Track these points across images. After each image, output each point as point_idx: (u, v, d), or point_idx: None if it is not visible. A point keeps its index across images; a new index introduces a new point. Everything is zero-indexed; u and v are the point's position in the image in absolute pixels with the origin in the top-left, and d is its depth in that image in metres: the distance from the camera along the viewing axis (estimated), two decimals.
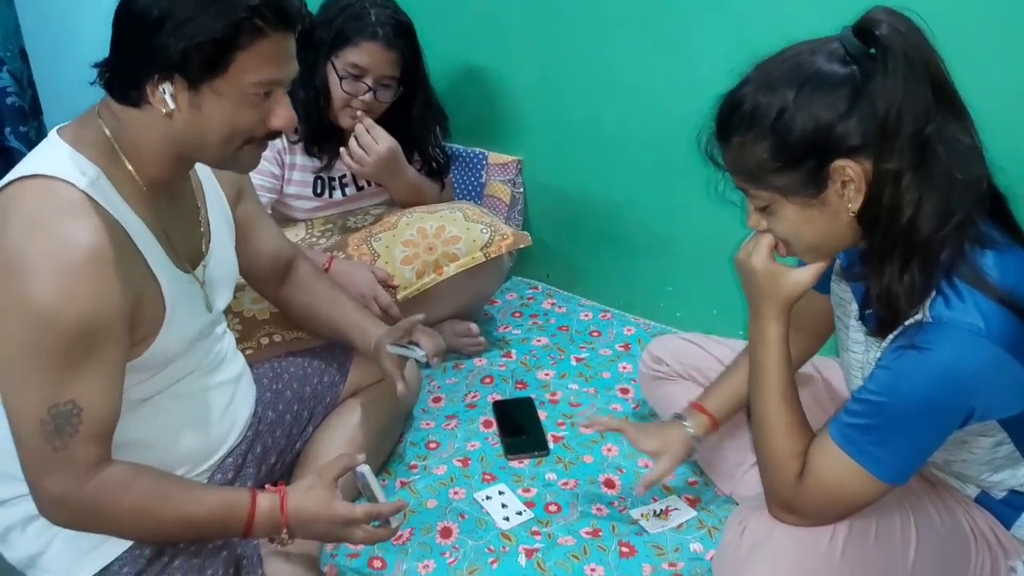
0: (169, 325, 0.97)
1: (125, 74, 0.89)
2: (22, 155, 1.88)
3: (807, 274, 0.95)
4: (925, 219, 0.82)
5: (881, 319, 0.89)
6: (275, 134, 0.95)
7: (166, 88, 0.87)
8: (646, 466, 1.35)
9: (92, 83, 0.92)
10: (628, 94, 1.72)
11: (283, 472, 1.25)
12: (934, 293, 0.84)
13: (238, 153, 0.94)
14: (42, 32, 1.92)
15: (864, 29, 0.82)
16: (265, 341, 1.42)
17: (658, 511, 1.27)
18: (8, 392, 0.87)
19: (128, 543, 0.99)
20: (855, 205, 0.85)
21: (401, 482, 1.36)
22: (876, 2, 0.84)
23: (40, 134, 1.91)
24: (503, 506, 1.29)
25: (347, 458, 1.06)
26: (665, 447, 1.19)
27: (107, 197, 0.89)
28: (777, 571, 0.92)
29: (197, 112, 0.88)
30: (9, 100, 1.85)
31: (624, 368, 1.67)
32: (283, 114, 0.93)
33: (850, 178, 0.83)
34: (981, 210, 0.85)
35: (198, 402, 1.07)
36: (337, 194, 1.68)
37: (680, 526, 1.24)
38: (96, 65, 0.91)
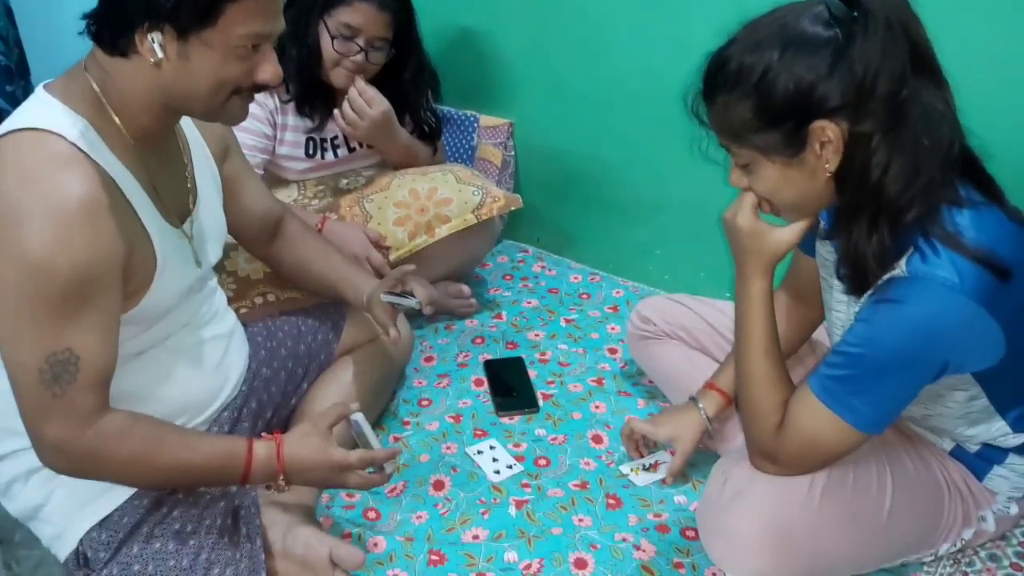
0: (160, 277, 0.98)
1: (114, 23, 0.89)
2: (8, 114, 1.88)
3: (790, 233, 0.98)
4: (892, 181, 0.84)
5: (851, 277, 0.92)
6: (261, 87, 0.95)
7: (155, 37, 0.87)
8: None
9: (80, 33, 0.91)
10: (620, 57, 1.72)
11: (279, 425, 1.27)
12: (912, 250, 0.87)
13: (225, 104, 0.94)
14: None
15: None
16: (259, 300, 1.44)
17: (647, 465, 1.30)
18: (6, 342, 0.88)
19: (128, 493, 1.02)
20: (832, 165, 0.87)
21: (394, 437, 1.39)
22: None
23: (27, 93, 1.89)
24: (494, 460, 1.32)
25: (341, 406, 1.09)
26: (680, 431, 1.23)
27: (96, 149, 0.90)
28: (757, 519, 0.96)
29: (185, 62, 0.89)
30: None
31: (612, 329, 1.70)
32: (270, 68, 0.93)
33: (828, 139, 0.85)
34: (951, 173, 0.87)
35: (191, 355, 1.09)
36: (329, 155, 1.68)
37: (665, 480, 1.28)
38: (85, 16, 0.91)
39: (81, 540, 1.01)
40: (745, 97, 0.87)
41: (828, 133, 0.85)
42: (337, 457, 1.03)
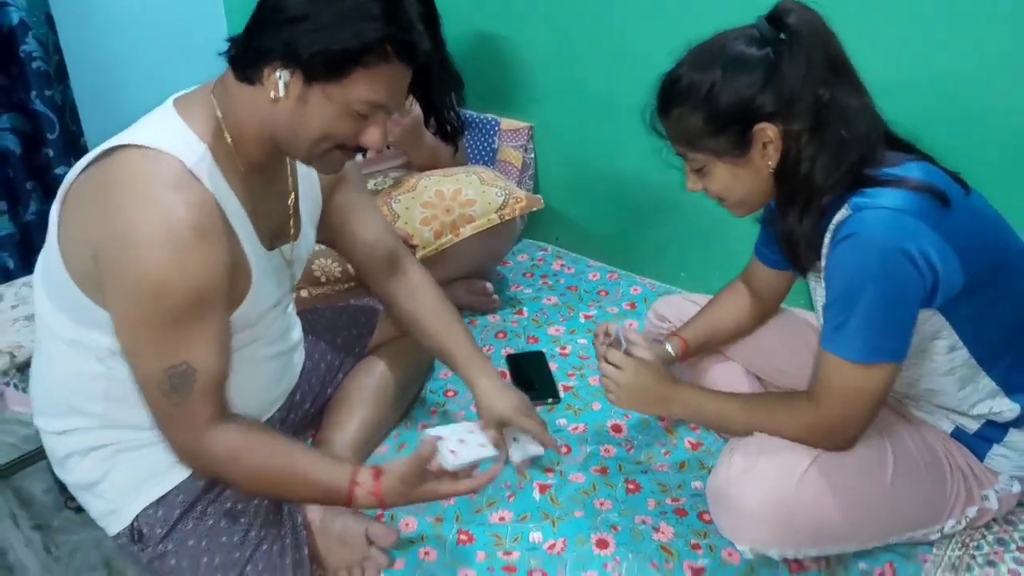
0: (253, 295, 1.03)
1: (251, 53, 0.93)
2: (48, 119, 1.96)
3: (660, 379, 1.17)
4: (819, 171, 0.98)
5: (792, 256, 1.05)
6: (363, 149, 0.99)
7: (283, 75, 0.91)
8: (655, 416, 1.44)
9: (220, 54, 0.96)
10: (637, 62, 1.75)
11: (315, 414, 1.35)
12: (851, 198, 0.98)
13: (325, 155, 0.98)
14: None
15: (776, 17, 0.99)
16: (304, 294, 1.51)
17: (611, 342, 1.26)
18: (131, 354, 0.95)
19: (185, 475, 1.08)
20: (774, 163, 1.01)
21: (423, 425, 1.46)
22: None
23: (65, 98, 1.97)
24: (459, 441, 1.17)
25: (426, 448, 1.03)
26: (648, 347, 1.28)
27: (211, 175, 0.94)
28: (761, 492, 1.03)
29: (302, 106, 0.93)
30: (35, 65, 1.90)
31: (631, 325, 1.75)
32: (376, 135, 0.96)
33: (770, 139, 0.99)
34: (873, 157, 0.99)
35: (260, 369, 1.14)
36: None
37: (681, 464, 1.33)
38: (229, 39, 0.96)
39: (137, 516, 1.07)
40: (696, 109, 1.00)
41: (769, 134, 0.99)
42: (436, 491, 1.03)
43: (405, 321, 1.31)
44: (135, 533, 1.08)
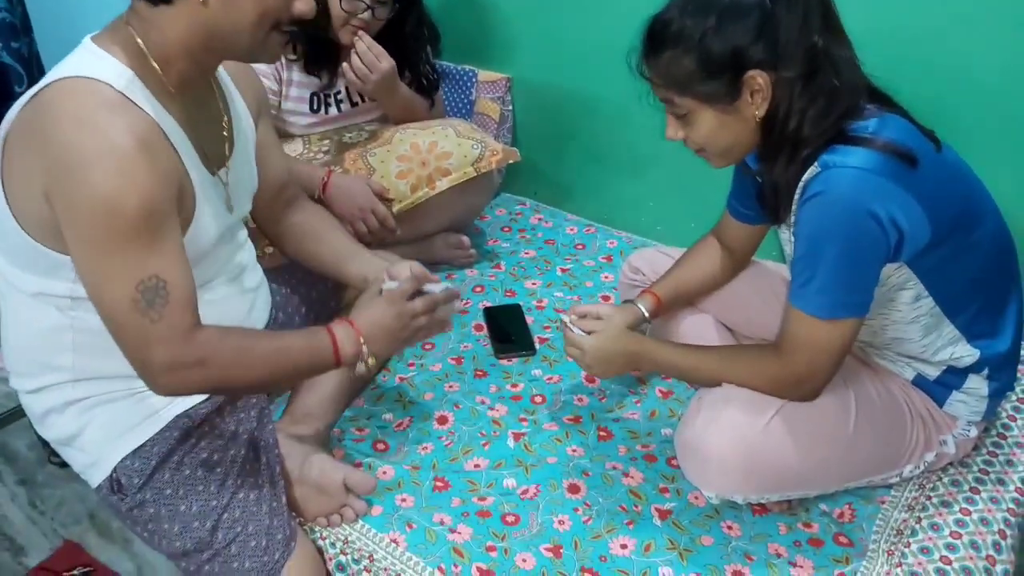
0: (199, 216, 1.03)
1: None
2: (15, 71, 1.92)
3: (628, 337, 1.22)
4: (807, 122, 1.00)
5: (772, 205, 1.05)
6: (297, 20, 1.00)
7: None
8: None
9: None
10: (616, 13, 1.74)
11: None
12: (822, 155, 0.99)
13: (266, 41, 0.99)
14: None
15: None
16: (270, 250, 1.51)
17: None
18: (95, 282, 0.93)
19: (159, 425, 1.10)
20: (761, 112, 1.00)
21: (400, 378, 1.48)
22: None
23: (31, 50, 1.93)
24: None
25: (379, 282, 1.14)
26: (613, 313, 1.30)
27: (142, 96, 0.95)
28: (726, 440, 1.07)
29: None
30: (0, 16, 1.86)
31: (606, 278, 1.78)
32: (306, 2, 0.99)
33: (759, 87, 0.99)
34: (856, 109, 1.00)
35: (221, 308, 1.14)
36: (333, 110, 1.74)
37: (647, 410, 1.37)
38: None
39: (115, 468, 1.09)
40: (688, 52, 1.00)
41: (759, 81, 0.99)
42: (402, 307, 1.10)
43: (301, 241, 1.32)
44: (114, 484, 1.10)
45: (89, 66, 0.94)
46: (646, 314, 1.32)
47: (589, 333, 1.23)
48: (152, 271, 0.92)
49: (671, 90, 1.04)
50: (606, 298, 1.71)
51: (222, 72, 1.13)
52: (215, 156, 1.09)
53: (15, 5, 1.88)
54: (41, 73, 1.97)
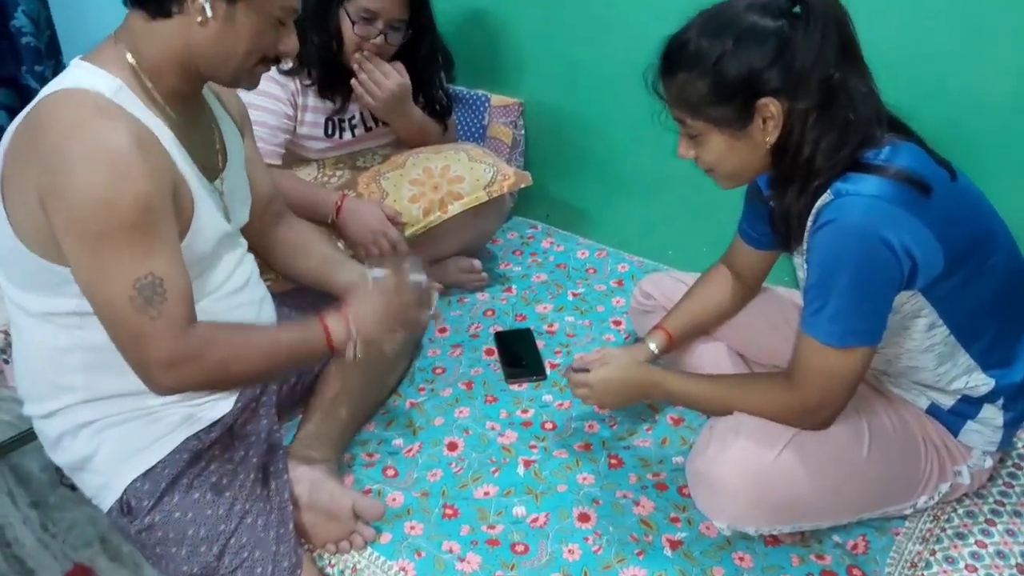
0: (197, 219, 1.04)
1: None
2: (35, 93, 1.95)
3: (643, 369, 1.23)
4: (820, 154, 0.98)
5: (784, 233, 1.05)
6: (282, 56, 1.05)
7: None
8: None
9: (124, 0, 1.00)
10: (626, 40, 1.77)
11: (303, 392, 1.36)
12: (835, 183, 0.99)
13: (252, 70, 1.04)
14: None
15: None
16: (273, 275, 1.51)
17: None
18: (93, 283, 0.94)
19: (170, 447, 1.10)
20: (772, 139, 1.00)
21: (411, 403, 1.48)
22: None
23: (57, 73, 1.97)
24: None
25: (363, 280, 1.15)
26: (617, 351, 1.30)
27: (132, 104, 0.97)
28: (737, 468, 1.05)
29: (229, 25, 0.98)
30: (24, 40, 1.90)
31: (617, 302, 1.77)
32: (292, 40, 1.04)
33: (771, 115, 0.98)
34: (872, 140, 0.99)
35: (223, 320, 1.13)
36: (347, 135, 1.75)
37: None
38: None
39: (125, 490, 1.09)
40: (703, 76, 0.99)
41: (771, 109, 0.98)
42: (389, 292, 1.11)
43: (290, 255, 1.34)
44: (124, 506, 1.10)
45: (79, 79, 0.97)
46: (656, 351, 1.32)
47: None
48: (149, 268, 0.93)
49: (683, 112, 1.04)
50: (617, 323, 1.70)
51: (207, 90, 1.15)
52: (210, 167, 1.11)
53: (42, 30, 1.92)
54: None
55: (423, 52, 1.72)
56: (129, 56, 0.99)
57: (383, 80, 1.60)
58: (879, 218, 0.95)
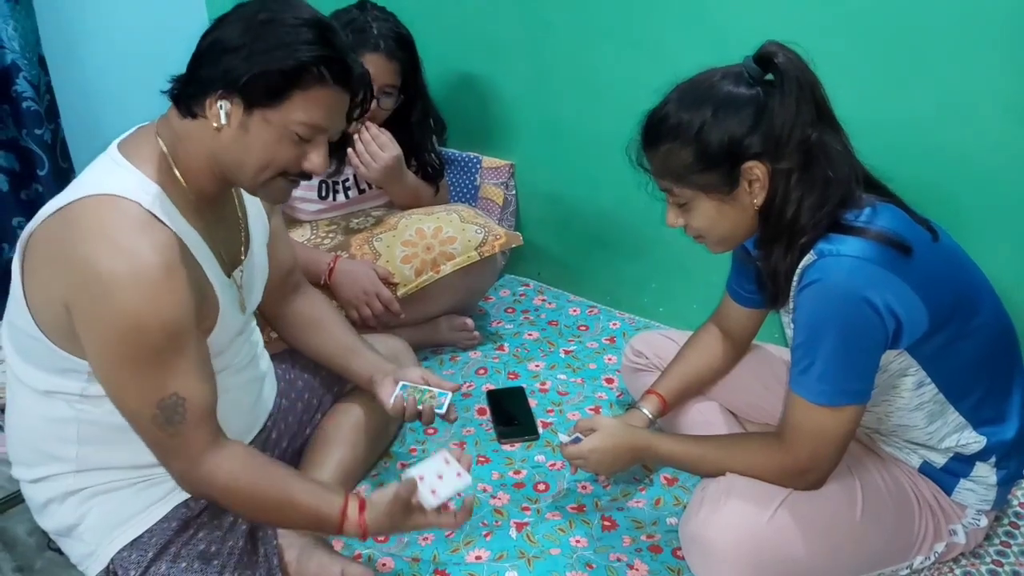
0: (220, 324, 1.06)
1: (193, 88, 0.97)
2: (38, 156, 1.99)
3: (638, 434, 1.23)
4: (804, 212, 1.01)
5: (772, 291, 1.06)
6: (305, 175, 1.02)
7: (224, 104, 0.95)
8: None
9: (163, 92, 1.00)
10: (615, 102, 1.81)
11: (293, 455, 1.35)
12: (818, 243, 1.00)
13: (269, 183, 1.01)
14: (59, 38, 2.01)
15: (763, 58, 1.01)
16: (275, 335, 1.52)
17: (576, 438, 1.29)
18: (117, 396, 0.97)
19: (158, 516, 1.09)
20: (759, 200, 1.02)
21: (401, 464, 1.46)
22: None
23: (56, 136, 2.00)
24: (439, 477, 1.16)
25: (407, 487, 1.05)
26: (607, 420, 1.29)
27: (167, 213, 0.97)
28: (730, 532, 1.05)
29: (244, 134, 0.96)
30: (25, 105, 1.93)
31: (609, 360, 1.78)
32: (316, 159, 1.00)
33: (757, 177, 1.01)
34: (852, 199, 1.02)
35: (229, 398, 1.14)
36: (340, 197, 1.78)
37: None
38: (172, 79, 1.00)
39: (112, 559, 1.08)
40: (687, 145, 1.02)
41: (756, 172, 1.01)
42: (417, 518, 1.05)
43: (304, 330, 1.34)
44: (111, 575, 1.09)
45: (116, 181, 0.96)
46: (651, 417, 1.32)
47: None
48: (172, 389, 0.95)
49: (670, 180, 1.06)
50: (609, 381, 1.70)
51: None
52: (231, 258, 1.11)
53: (43, 95, 1.96)
54: (65, 158, 2.04)
55: (415, 117, 1.76)
56: (164, 148, 0.99)
57: (379, 152, 1.64)
58: (862, 279, 0.97)
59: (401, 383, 1.26)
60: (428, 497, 1.05)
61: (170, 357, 0.94)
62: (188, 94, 0.97)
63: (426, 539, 1.29)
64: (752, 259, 1.18)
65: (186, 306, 0.95)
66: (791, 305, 1.06)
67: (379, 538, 1.12)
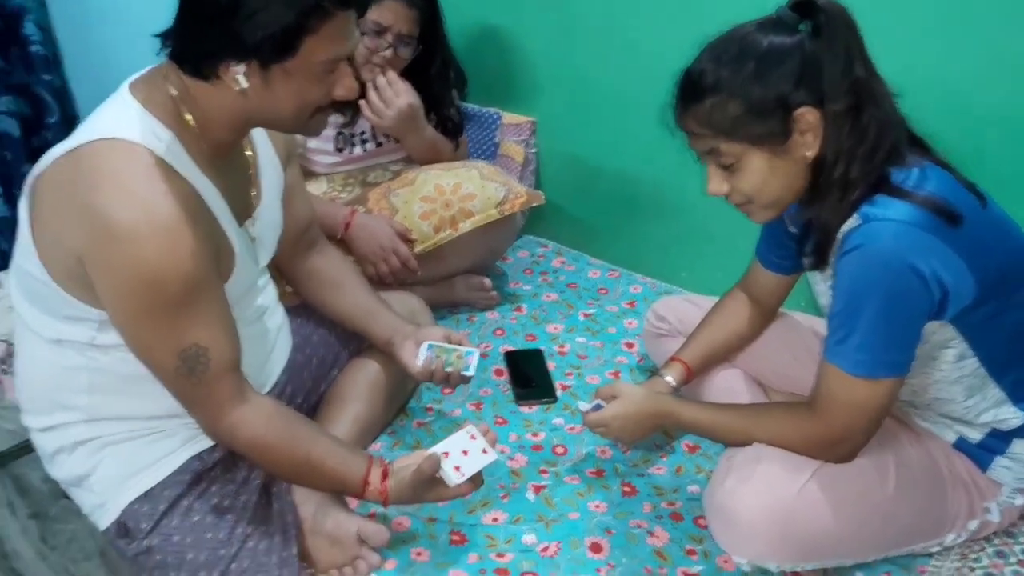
0: (237, 273, 1.03)
1: (197, 53, 0.93)
2: (47, 103, 1.94)
3: (655, 398, 1.19)
4: (857, 163, 0.96)
5: (817, 250, 1.01)
6: (342, 103, 1.00)
7: (238, 69, 0.91)
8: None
9: (157, 54, 0.96)
10: (642, 57, 1.75)
11: (308, 410, 1.32)
12: (863, 205, 0.96)
13: (308, 122, 1.00)
14: None
15: (802, 4, 0.96)
16: (290, 288, 1.49)
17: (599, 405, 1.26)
18: (139, 348, 0.96)
19: (171, 469, 1.07)
20: (813, 151, 0.97)
21: (418, 422, 1.44)
22: None
23: (62, 82, 1.95)
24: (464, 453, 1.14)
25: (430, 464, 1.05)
26: (630, 387, 1.26)
27: (181, 161, 0.95)
28: (757, 504, 1.01)
29: (269, 91, 0.93)
30: (34, 48, 1.89)
31: (630, 324, 1.74)
32: (346, 83, 0.98)
33: (811, 125, 0.95)
34: (900, 150, 0.97)
35: (242, 351, 1.12)
36: (357, 150, 1.73)
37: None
38: (160, 35, 0.95)
39: (123, 511, 1.06)
40: (733, 96, 0.96)
41: (810, 119, 0.95)
42: (439, 491, 1.07)
43: (322, 288, 1.31)
44: (121, 528, 1.07)
45: (128, 125, 0.93)
46: (675, 384, 1.29)
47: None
48: (192, 340, 0.94)
49: (718, 137, 0.99)
50: (630, 345, 1.67)
51: None
52: (243, 209, 1.08)
53: (48, 38, 1.91)
54: (71, 106, 1.99)
55: (435, 69, 1.70)
56: (179, 100, 0.96)
57: (393, 98, 1.58)
58: (909, 245, 0.92)
59: (427, 343, 1.23)
60: (452, 474, 1.05)
61: (189, 308, 0.92)
62: (193, 59, 0.94)
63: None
64: (785, 223, 1.13)
65: (205, 257, 0.93)
66: (831, 271, 1.01)
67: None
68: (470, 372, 1.23)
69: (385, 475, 1.06)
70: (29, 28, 1.87)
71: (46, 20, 1.89)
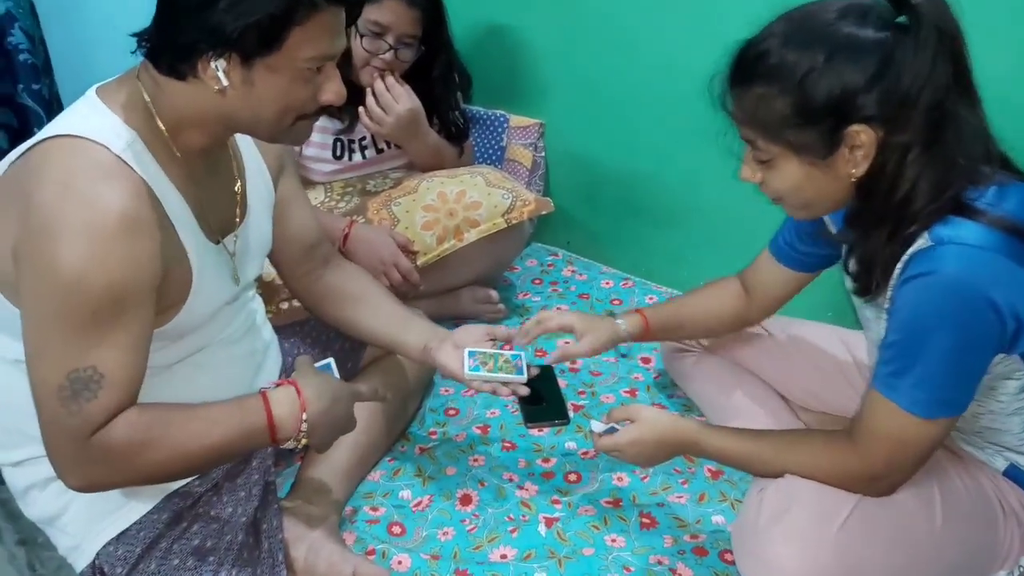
0: (195, 295, 0.95)
1: (173, 49, 0.87)
2: (36, 113, 1.88)
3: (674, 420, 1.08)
4: (920, 194, 0.84)
5: (861, 276, 0.91)
6: (326, 108, 0.94)
7: (219, 65, 0.85)
8: None
9: (133, 52, 0.90)
10: (652, 58, 1.69)
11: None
12: (932, 225, 0.85)
13: (290, 129, 0.93)
14: None
15: None
16: (284, 306, 1.42)
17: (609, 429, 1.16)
18: (33, 353, 0.86)
19: (147, 507, 1.00)
20: (860, 171, 0.86)
21: (420, 448, 1.35)
22: None
23: (52, 91, 1.89)
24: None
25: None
26: (590, 330, 1.21)
27: (141, 162, 0.88)
28: (795, 544, 0.92)
29: (250, 89, 0.87)
30: (22, 57, 1.83)
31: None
32: (333, 88, 0.92)
33: (862, 144, 0.84)
34: (977, 173, 0.86)
35: (221, 373, 1.05)
36: (357, 157, 1.66)
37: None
38: (136, 35, 0.89)
39: (98, 554, 0.99)
40: (785, 92, 0.86)
41: (863, 138, 0.84)
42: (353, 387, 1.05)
43: (339, 305, 1.22)
44: (96, 572, 0.99)
45: (88, 123, 0.87)
46: (626, 333, 1.22)
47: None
48: (92, 362, 0.84)
49: (757, 132, 0.90)
50: (646, 360, 1.58)
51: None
52: (223, 223, 1.01)
53: (37, 46, 1.86)
54: None
55: (438, 71, 1.64)
56: (147, 98, 0.90)
57: (392, 104, 1.51)
58: (987, 275, 0.82)
59: (467, 350, 1.14)
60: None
61: (104, 326, 0.83)
62: (169, 55, 0.87)
63: (446, 533, 1.18)
64: (823, 220, 1.03)
65: (143, 269, 0.85)
66: (888, 295, 0.90)
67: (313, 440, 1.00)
68: (523, 376, 1.16)
69: (289, 384, 0.98)
70: (17, 36, 1.82)
71: (33, 28, 1.84)
